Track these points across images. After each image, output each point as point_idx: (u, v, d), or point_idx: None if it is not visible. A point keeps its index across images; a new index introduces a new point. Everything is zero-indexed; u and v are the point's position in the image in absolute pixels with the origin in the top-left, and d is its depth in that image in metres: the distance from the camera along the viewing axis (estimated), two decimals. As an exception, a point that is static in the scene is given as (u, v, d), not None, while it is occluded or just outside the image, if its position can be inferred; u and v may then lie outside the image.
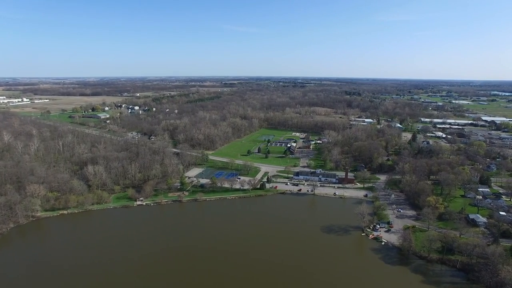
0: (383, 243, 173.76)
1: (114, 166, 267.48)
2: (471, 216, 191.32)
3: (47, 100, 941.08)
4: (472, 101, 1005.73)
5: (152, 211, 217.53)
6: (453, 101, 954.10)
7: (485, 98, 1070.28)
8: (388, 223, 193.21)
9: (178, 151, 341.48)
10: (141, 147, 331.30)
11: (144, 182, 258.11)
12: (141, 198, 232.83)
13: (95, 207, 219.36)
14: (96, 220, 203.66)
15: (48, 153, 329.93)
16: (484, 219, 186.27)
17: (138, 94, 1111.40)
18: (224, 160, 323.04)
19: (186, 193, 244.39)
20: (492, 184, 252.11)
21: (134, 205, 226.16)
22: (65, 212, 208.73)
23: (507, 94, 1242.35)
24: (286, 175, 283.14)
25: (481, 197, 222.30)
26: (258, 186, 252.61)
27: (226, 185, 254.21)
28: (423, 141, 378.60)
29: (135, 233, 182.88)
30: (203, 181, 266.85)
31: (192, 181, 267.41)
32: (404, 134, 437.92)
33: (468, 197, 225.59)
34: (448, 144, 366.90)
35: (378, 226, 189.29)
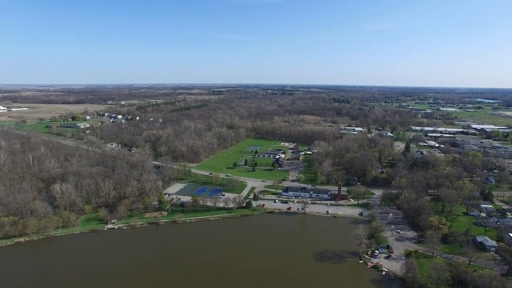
0: (383, 272, 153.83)
1: (86, 183, 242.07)
2: (479, 238, 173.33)
3: (26, 108, 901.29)
4: (459, 108, 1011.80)
5: (124, 236, 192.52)
6: (441, 109, 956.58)
7: (471, 106, 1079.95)
8: (388, 247, 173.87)
9: (159, 164, 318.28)
10: (118, 160, 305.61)
11: (119, 200, 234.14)
12: (113, 220, 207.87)
13: (59, 232, 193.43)
14: (56, 249, 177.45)
15: (15, 167, 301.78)
16: (494, 242, 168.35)
17: (123, 102, 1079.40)
18: (208, 174, 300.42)
19: (165, 213, 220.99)
20: (494, 199, 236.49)
21: (105, 228, 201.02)
22: (21, 239, 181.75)
23: (491, 101, 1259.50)
24: (275, 190, 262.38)
25: (485, 215, 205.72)
26: (244, 205, 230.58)
27: (209, 203, 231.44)
28: (417, 151, 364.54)
29: (101, 265, 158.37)
30: (184, 198, 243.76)
31: (172, 199, 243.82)
32: (396, 143, 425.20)
33: (472, 215, 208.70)
34: (442, 154, 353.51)
35: (377, 251, 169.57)
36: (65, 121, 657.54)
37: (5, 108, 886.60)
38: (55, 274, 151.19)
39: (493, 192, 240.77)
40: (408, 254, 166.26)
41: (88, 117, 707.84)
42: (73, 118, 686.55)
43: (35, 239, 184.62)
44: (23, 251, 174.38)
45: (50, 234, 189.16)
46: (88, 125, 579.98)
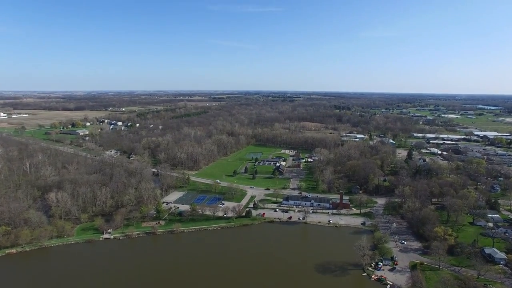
0: (388, 286, 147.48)
1: (82, 191, 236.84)
2: (487, 250, 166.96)
3: (26, 115, 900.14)
4: (460, 115, 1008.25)
5: (119, 246, 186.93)
6: (442, 115, 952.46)
7: (472, 112, 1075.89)
8: (392, 258, 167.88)
9: (158, 171, 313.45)
10: (116, 168, 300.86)
11: (116, 209, 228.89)
12: (109, 230, 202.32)
13: (53, 242, 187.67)
14: (49, 260, 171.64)
15: (11, 175, 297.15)
16: (503, 255, 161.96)
17: (123, 109, 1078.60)
18: (208, 182, 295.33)
19: (162, 223, 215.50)
20: (500, 208, 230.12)
21: (100, 238, 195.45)
22: (13, 251, 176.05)
23: (492, 108, 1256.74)
24: (275, 199, 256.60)
25: (492, 225, 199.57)
26: (244, 214, 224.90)
27: (208, 212, 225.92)
28: (420, 159, 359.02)
29: (95, 277, 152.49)
30: (183, 207, 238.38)
31: (170, 208, 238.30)
32: (398, 150, 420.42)
33: (478, 225, 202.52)
34: (446, 162, 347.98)
35: (380, 263, 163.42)
36: (65, 127, 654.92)
37: (5, 114, 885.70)
38: (46, 286, 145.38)
39: (499, 201, 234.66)
40: (413, 266, 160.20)
41: (88, 124, 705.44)
42: (73, 125, 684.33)
43: (28, 249, 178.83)
44: (14, 262, 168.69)
45: (43, 245, 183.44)
46: (87, 132, 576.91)
